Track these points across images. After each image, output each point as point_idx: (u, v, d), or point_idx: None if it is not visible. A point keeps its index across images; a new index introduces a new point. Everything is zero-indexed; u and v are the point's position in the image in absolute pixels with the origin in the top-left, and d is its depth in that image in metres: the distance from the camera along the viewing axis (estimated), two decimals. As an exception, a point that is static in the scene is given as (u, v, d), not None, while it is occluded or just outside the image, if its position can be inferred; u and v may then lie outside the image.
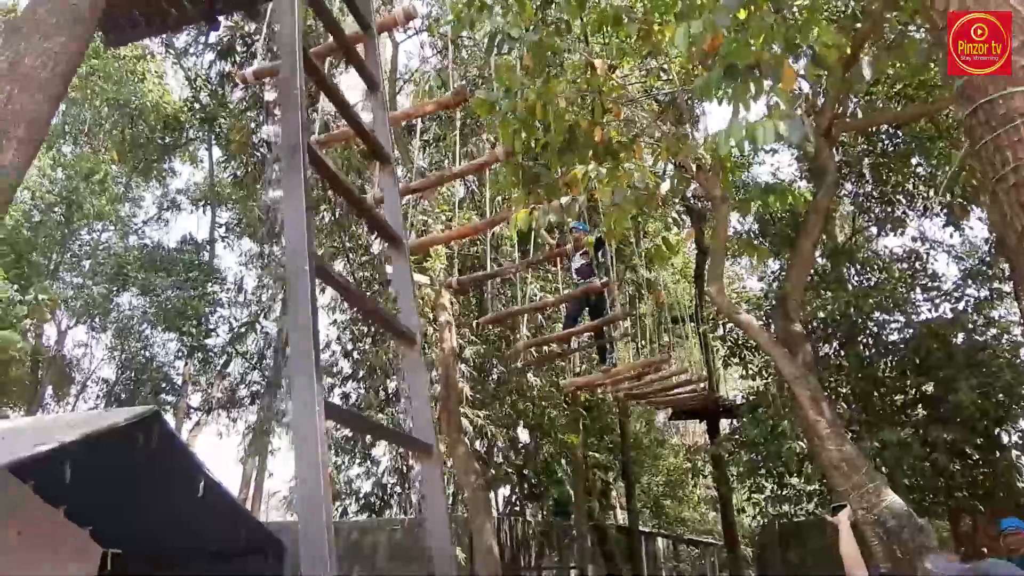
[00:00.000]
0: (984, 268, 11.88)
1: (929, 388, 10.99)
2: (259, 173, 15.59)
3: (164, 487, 7.19)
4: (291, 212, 1.78)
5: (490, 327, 12.72)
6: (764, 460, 11.90)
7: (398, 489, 15.60)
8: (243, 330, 18.46)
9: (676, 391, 10.71)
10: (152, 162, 20.38)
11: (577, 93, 6.58)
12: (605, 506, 19.22)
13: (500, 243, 12.33)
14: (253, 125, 15.70)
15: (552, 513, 17.05)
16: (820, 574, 11.26)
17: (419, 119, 10.54)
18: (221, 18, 6.75)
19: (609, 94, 6.54)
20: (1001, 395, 9.93)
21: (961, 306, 11.30)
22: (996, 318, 11.62)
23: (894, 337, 11.68)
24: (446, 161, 13.03)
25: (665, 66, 9.64)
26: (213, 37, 16.00)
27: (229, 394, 19.06)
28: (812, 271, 10.86)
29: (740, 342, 13.63)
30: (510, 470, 15.81)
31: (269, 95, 14.59)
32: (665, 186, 6.30)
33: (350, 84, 14.66)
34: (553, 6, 6.80)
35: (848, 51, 6.96)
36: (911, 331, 11.26)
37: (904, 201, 12.73)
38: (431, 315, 11.23)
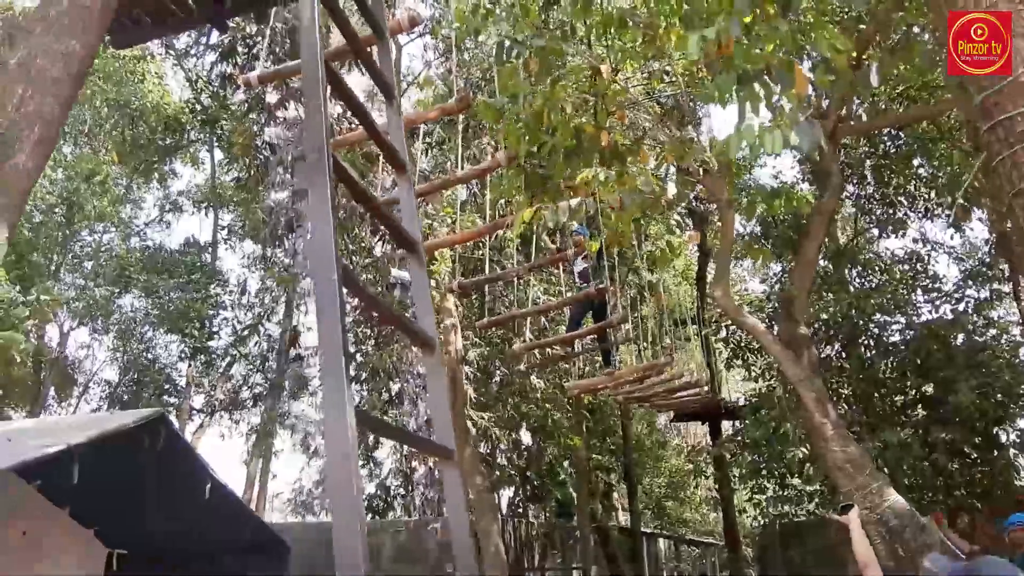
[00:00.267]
0: (984, 269, 11.93)
1: (929, 389, 11.01)
2: (262, 176, 15.60)
3: (169, 488, 7.22)
4: (317, 217, 1.73)
5: (493, 330, 12.71)
6: (766, 461, 11.92)
7: (402, 491, 15.63)
8: (246, 332, 18.46)
9: (678, 394, 10.69)
10: (153, 163, 20.40)
11: (582, 97, 6.59)
12: (607, 507, 19.22)
13: (503, 246, 12.32)
14: (256, 128, 15.72)
15: (555, 515, 17.04)
16: (821, 574, 11.28)
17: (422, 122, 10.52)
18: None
19: (613, 98, 6.55)
20: (1000, 395, 9.95)
21: (961, 307, 11.33)
22: (995, 319, 11.66)
23: (895, 338, 11.71)
24: (448, 164, 13.03)
25: (668, 68, 9.65)
26: (214, 38, 16.05)
27: (232, 396, 19.06)
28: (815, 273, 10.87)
29: (742, 344, 13.65)
30: (513, 472, 15.83)
31: (272, 97, 14.62)
32: (671, 190, 6.32)
33: (351, 85, 14.65)
34: (556, 8, 6.81)
35: (854, 54, 6.98)
36: (912, 332, 11.30)
37: (906, 203, 12.76)
38: (436, 318, 11.21)
